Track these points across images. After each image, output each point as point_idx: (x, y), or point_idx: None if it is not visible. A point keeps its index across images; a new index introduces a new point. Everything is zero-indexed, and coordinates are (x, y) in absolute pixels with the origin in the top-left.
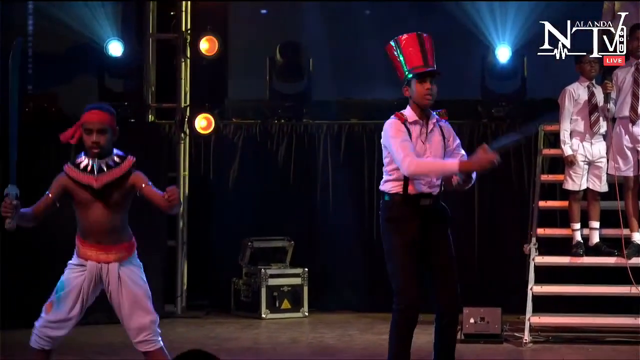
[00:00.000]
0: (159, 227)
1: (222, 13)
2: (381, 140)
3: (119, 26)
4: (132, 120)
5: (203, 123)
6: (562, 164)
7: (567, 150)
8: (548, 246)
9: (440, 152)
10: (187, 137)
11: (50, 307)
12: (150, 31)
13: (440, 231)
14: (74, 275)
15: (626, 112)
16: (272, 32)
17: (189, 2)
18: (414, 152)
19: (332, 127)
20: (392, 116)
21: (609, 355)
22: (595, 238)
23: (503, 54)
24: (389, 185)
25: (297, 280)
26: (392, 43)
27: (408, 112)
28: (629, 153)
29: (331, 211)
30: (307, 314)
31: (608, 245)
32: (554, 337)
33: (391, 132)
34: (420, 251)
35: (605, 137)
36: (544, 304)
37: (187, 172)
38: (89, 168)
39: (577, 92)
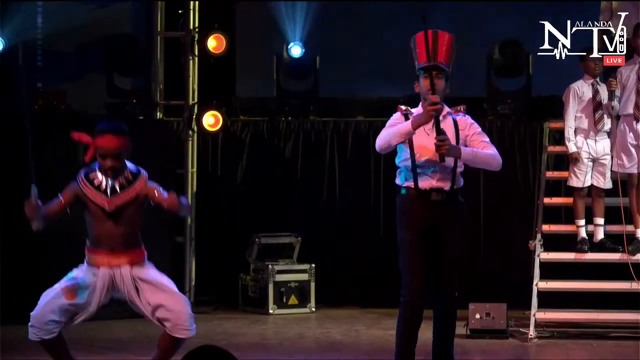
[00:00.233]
0: (167, 224)
1: (230, 11)
2: None
3: (127, 24)
4: (141, 118)
5: (211, 120)
6: (567, 161)
7: (572, 148)
8: (553, 242)
9: (453, 143)
10: (195, 134)
11: (72, 296)
12: (159, 29)
13: (450, 227)
14: (89, 275)
15: (630, 109)
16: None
17: (196, 1)
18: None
19: (339, 125)
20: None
21: (614, 350)
22: (600, 234)
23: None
24: (400, 179)
25: (304, 276)
26: (411, 41)
27: (418, 108)
28: (633, 150)
29: (338, 207)
30: (314, 309)
31: (613, 242)
32: (559, 332)
33: (387, 125)
34: (431, 246)
35: (609, 134)
36: (549, 300)
37: (195, 169)
38: (102, 187)
39: (582, 89)
